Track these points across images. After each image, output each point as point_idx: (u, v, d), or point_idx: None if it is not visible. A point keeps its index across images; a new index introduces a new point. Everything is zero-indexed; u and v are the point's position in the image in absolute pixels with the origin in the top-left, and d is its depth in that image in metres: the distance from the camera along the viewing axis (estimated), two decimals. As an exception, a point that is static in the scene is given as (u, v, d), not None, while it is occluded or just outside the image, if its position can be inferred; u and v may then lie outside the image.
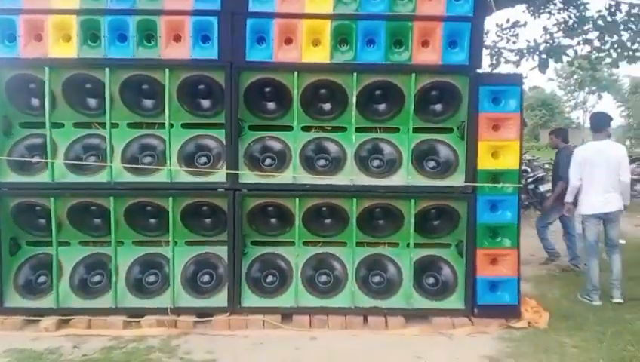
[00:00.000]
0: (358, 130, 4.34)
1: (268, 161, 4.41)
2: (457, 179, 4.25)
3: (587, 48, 10.06)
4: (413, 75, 4.17)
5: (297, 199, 4.26)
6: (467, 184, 4.20)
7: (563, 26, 10.24)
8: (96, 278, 4.41)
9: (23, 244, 4.45)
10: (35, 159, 4.32)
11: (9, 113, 4.33)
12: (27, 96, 4.34)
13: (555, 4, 10.29)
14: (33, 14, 4.12)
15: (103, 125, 4.32)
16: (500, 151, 4.26)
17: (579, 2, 10.08)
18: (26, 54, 4.15)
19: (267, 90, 4.33)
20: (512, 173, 4.25)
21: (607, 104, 79.08)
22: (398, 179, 4.27)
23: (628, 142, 32.60)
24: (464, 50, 4.15)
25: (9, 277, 4.32)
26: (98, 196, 4.27)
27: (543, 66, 9.68)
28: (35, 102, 4.35)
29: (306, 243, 4.48)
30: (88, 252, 4.46)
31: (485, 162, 4.23)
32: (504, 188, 4.23)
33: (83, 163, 4.32)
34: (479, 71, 4.35)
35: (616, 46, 9.56)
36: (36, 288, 4.37)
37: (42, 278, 4.41)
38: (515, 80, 4.35)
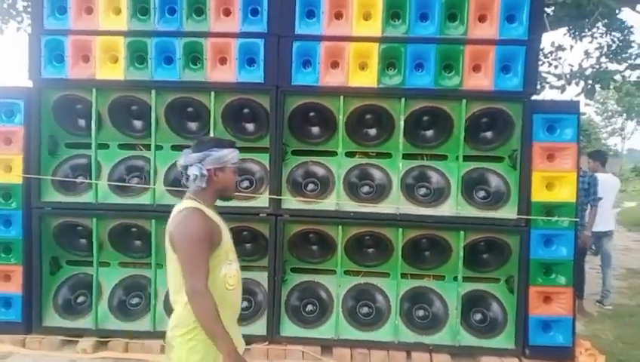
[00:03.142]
0: (405, 156, 4.20)
1: (311, 187, 4.30)
2: (509, 211, 4.04)
3: (637, 73, 9.67)
4: (464, 100, 4.02)
5: (340, 226, 4.12)
6: (521, 217, 3.98)
7: (606, 50, 9.92)
8: (135, 300, 4.36)
9: (63, 264, 4.44)
10: (79, 179, 4.33)
11: (56, 133, 4.35)
12: (74, 116, 4.35)
13: (598, 28, 9.98)
14: (81, 35, 4.14)
15: (147, 147, 4.30)
16: (556, 182, 4.03)
17: (623, 26, 9.77)
18: (74, 75, 4.16)
19: (312, 114, 4.24)
20: (569, 205, 4.01)
21: (647, 130, 76.13)
22: (446, 209, 4.09)
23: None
24: (518, 75, 3.97)
25: (49, 297, 4.31)
26: (139, 218, 4.24)
27: (589, 93, 9.28)
28: (82, 122, 4.37)
29: (347, 273, 4.33)
30: (128, 273, 4.41)
31: (539, 194, 4.00)
32: (559, 222, 4.00)
33: (126, 184, 4.30)
34: (534, 98, 4.16)
35: None
36: (75, 308, 4.35)
37: (81, 298, 4.39)
38: (572, 108, 4.11)
